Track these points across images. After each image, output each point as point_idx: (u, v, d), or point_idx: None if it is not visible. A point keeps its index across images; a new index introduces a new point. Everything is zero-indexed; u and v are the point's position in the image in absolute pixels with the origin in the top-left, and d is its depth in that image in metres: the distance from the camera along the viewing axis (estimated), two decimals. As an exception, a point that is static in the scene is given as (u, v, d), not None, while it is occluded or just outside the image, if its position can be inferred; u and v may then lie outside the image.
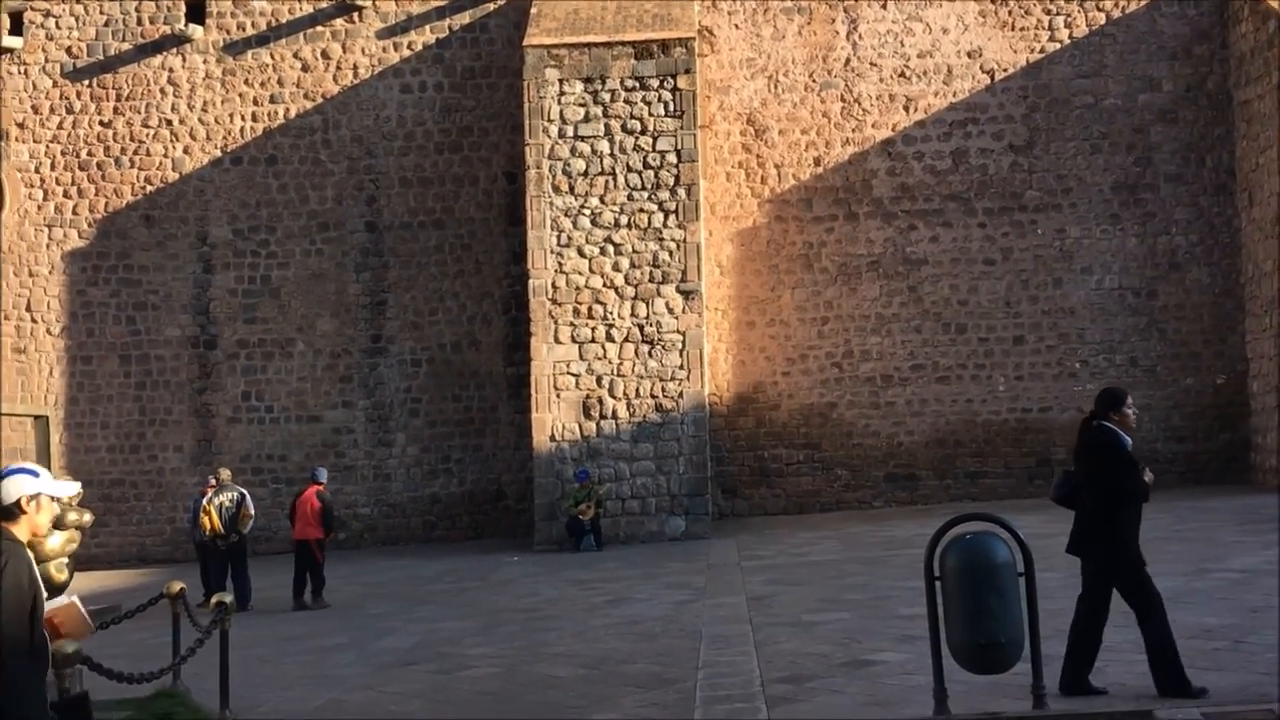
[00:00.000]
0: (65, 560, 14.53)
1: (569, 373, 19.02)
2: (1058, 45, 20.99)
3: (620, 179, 19.21)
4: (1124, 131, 20.96)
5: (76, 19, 21.64)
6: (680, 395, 18.95)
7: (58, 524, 14.44)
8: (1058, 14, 20.99)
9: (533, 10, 20.22)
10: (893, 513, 19.87)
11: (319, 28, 21.60)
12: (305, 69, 21.62)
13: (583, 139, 19.29)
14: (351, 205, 21.64)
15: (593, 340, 19.07)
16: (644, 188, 19.22)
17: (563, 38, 19.50)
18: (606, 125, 19.27)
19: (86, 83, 21.69)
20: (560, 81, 19.33)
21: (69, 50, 21.68)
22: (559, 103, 19.32)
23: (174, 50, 21.65)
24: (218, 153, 21.64)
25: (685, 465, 18.90)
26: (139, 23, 21.61)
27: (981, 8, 21.06)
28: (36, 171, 21.68)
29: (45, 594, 4.91)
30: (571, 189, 19.24)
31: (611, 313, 19.07)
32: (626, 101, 19.33)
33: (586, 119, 19.31)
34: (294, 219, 21.62)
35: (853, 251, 21.08)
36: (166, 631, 9.74)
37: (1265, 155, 19.36)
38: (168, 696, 8.91)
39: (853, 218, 21.11)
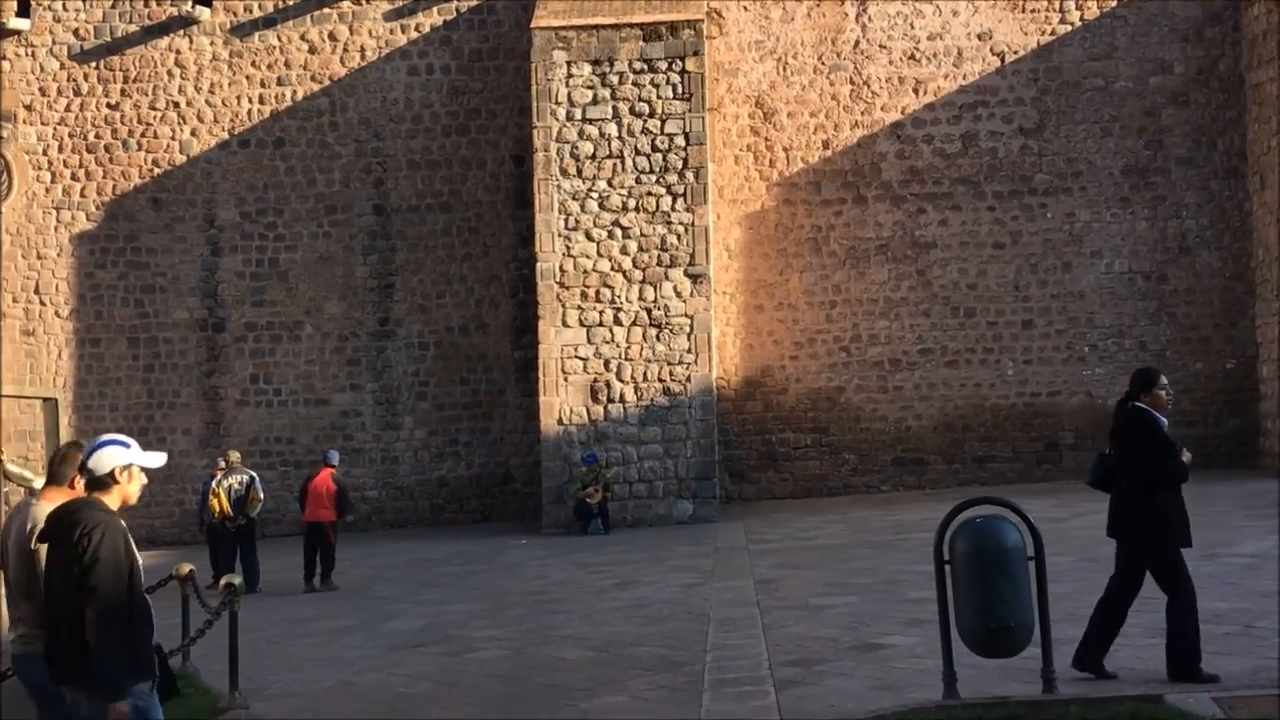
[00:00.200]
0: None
1: (577, 356, 19.01)
2: (1068, 27, 20.86)
3: (628, 162, 19.15)
4: (1135, 114, 20.84)
5: (83, 1, 21.60)
6: (688, 379, 18.93)
7: (67, 506, 14.47)
8: (1069, -4, 20.85)
9: (540, -8, 20.13)
10: (900, 497, 19.86)
11: (326, 10, 21.53)
12: (312, 51, 21.56)
13: (590, 122, 19.22)
14: (359, 188, 21.61)
15: (600, 324, 19.04)
16: (652, 171, 19.16)
17: (570, 20, 19.42)
18: (614, 108, 19.21)
19: (94, 65, 21.66)
20: (568, 64, 19.26)
21: (76, 32, 21.64)
22: (567, 85, 19.25)
23: (181, 32, 21.60)
24: (225, 135, 21.61)
25: (693, 449, 18.89)
26: (146, 4, 21.56)
27: (992, -10, 20.92)
28: (44, 154, 21.67)
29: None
30: (579, 172, 19.19)
31: (619, 296, 19.04)
32: (635, 84, 19.25)
33: (594, 101, 19.24)
34: (301, 202, 21.60)
35: (861, 235, 21.01)
36: (175, 613, 9.77)
37: (1276, 139, 19.24)
38: (177, 677, 8.93)
39: (861, 201, 21.04)
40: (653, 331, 18.99)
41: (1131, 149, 20.81)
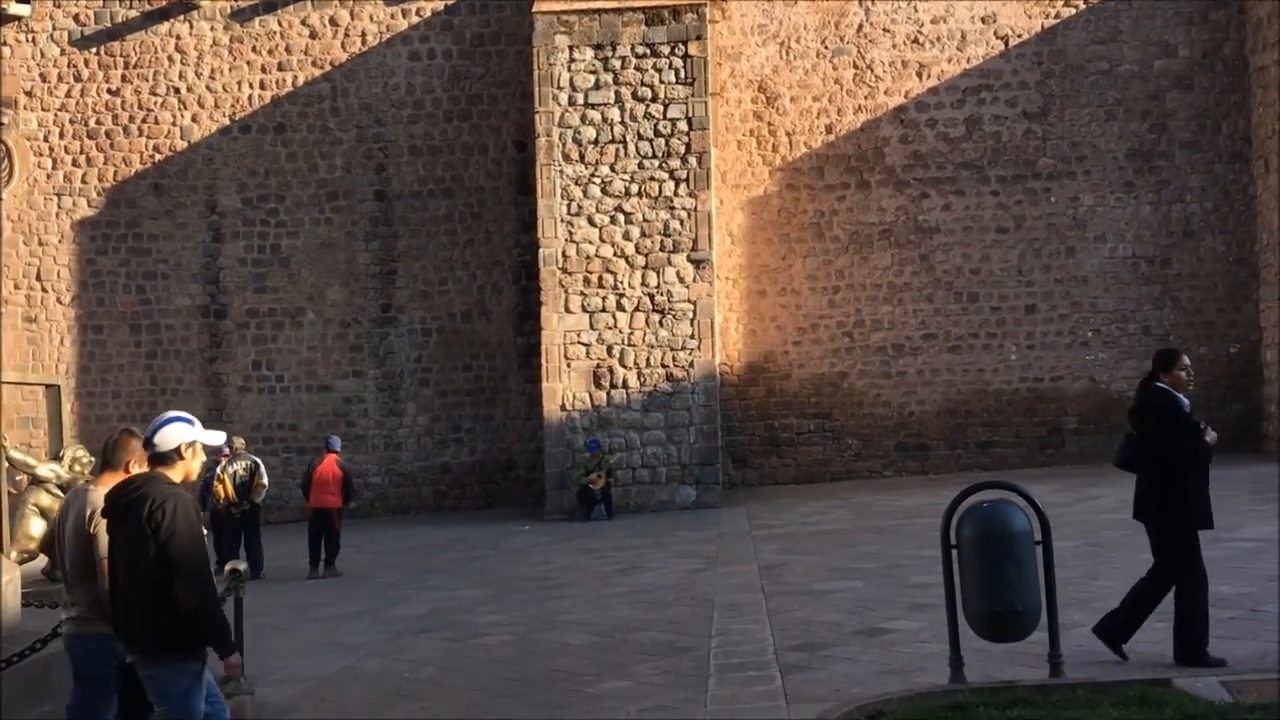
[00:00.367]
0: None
1: (579, 342, 18.98)
2: (1073, 10, 20.76)
3: (631, 147, 19.09)
4: (1139, 98, 20.75)
5: (83, -14, 21.52)
6: (691, 365, 18.91)
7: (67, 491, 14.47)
8: (1073, -21, 20.76)
9: (542, -24, 20.04)
10: (903, 482, 19.84)
11: (327, -6, 21.45)
12: (313, 36, 21.48)
13: (593, 106, 19.15)
14: (360, 174, 21.55)
15: (603, 309, 19.01)
16: (654, 156, 19.10)
17: (572, 3, 19.33)
18: (617, 92, 19.14)
19: (94, 50, 21.59)
20: (570, 48, 19.18)
21: (76, 18, 21.56)
22: (569, 70, 19.18)
23: (181, 18, 21.52)
24: (226, 121, 21.55)
25: (696, 435, 18.88)
26: (146, -10, 21.48)
27: (996, -27, 20.82)
28: (45, 140, 21.61)
29: None
30: (582, 157, 19.13)
31: (622, 282, 19.01)
32: (637, 68, 19.18)
33: (597, 86, 19.17)
34: (303, 188, 21.55)
35: (864, 220, 20.95)
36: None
37: (1282, 122, 19.17)
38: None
39: (864, 186, 20.97)
40: (655, 317, 18.96)
41: (1136, 133, 20.74)
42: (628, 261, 19.02)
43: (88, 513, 5.57)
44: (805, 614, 9.87)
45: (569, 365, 18.98)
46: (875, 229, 20.93)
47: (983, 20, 20.85)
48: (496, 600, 11.84)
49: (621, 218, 19.07)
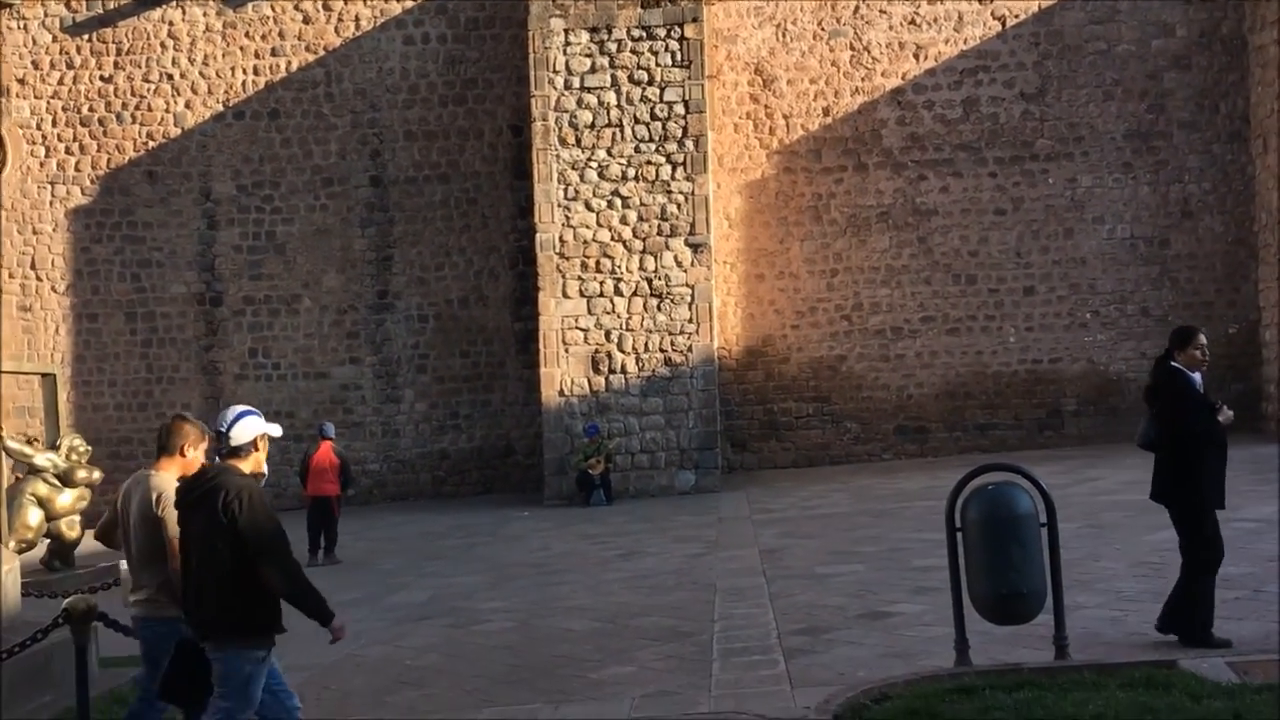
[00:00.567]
0: (76, 518, 14.59)
1: (577, 327, 18.93)
2: (1070, -10, 20.66)
3: (627, 131, 19.01)
4: (1137, 78, 20.68)
5: (74, -28, 21.37)
6: (689, 349, 18.86)
7: (67, 481, 14.47)
8: (1070, -41, 20.65)
9: (537, -41, 19.90)
10: (903, 465, 19.83)
11: (320, -21, 21.30)
12: (306, 21, 21.34)
13: (589, 90, 19.06)
14: (355, 159, 21.45)
15: (601, 294, 18.95)
16: (651, 139, 19.02)
17: (568, -13, 19.20)
18: (613, 76, 19.04)
19: (86, 37, 21.46)
20: (565, 31, 19.07)
21: (68, 4, 21.41)
22: (564, 53, 19.08)
23: (173, 3, 21.37)
24: (220, 107, 21.43)
25: (694, 419, 18.85)
26: (138, -25, 21.34)
27: (992, -47, 20.71)
28: (38, 128, 21.49)
29: None
30: (578, 141, 19.04)
31: (619, 266, 18.94)
32: (633, 51, 19.08)
33: (592, 70, 19.07)
34: (298, 174, 21.45)
35: (862, 203, 20.88)
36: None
37: (1280, 101, 19.11)
38: (183, 652, 8.90)
39: (862, 168, 20.90)
40: (653, 302, 18.90)
41: (1133, 113, 20.67)
42: (625, 246, 18.96)
43: (153, 496, 5.81)
44: (807, 598, 9.85)
45: (567, 350, 18.93)
46: (873, 212, 20.87)
47: (979, 1, 20.75)
48: (497, 586, 11.81)
49: (619, 202, 19.00)
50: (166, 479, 5.83)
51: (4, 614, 7.65)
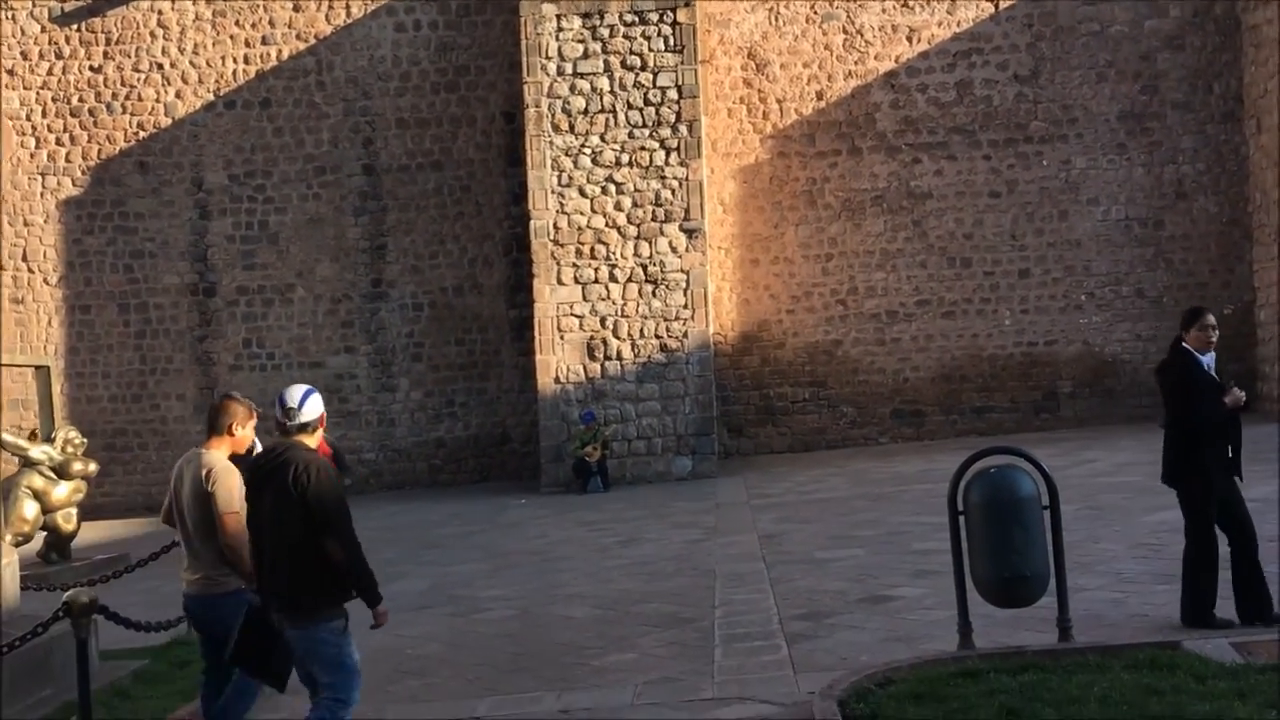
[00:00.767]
0: (72, 510, 14.55)
1: (572, 314, 18.88)
2: (1063, -29, 20.60)
3: (621, 116, 18.93)
4: (1130, 59, 20.64)
5: (62, -39, 21.22)
6: (685, 335, 18.83)
7: (63, 474, 14.41)
8: (1063, -61, 20.58)
9: (528, -56, 19.79)
10: (899, 449, 19.84)
11: (310, -34, 21.17)
12: (296, 8, 21.21)
13: (582, 76, 18.98)
14: (348, 148, 21.35)
15: (596, 281, 18.90)
16: (645, 125, 18.95)
17: (559, -28, 19.10)
18: (606, 61, 18.95)
19: (75, 27, 21.31)
20: (558, 17, 18.98)
21: (55, -6, 21.27)
22: (557, 39, 18.99)
23: (163, -8, 21.23)
24: (210, 96, 21.31)
25: (691, 405, 18.82)
26: (126, -36, 21.18)
27: (985, -66, 20.64)
28: (28, 119, 21.36)
29: None
30: (571, 128, 18.97)
31: (614, 253, 18.89)
32: (626, 36, 18.99)
33: (585, 55, 18.99)
34: (290, 163, 21.35)
35: (856, 187, 20.84)
36: (177, 580, 9.67)
37: (1273, 81, 19.07)
38: (183, 645, 8.89)
39: (856, 152, 20.86)
40: (649, 288, 18.85)
41: (1127, 94, 20.64)
42: (620, 232, 18.90)
43: (203, 473, 6.07)
44: (808, 583, 9.85)
45: (562, 337, 18.88)
46: (867, 195, 20.83)
47: (973, -17, 20.68)
48: (496, 574, 11.80)
49: (613, 188, 18.93)
50: (217, 456, 6.12)
51: (3, 608, 7.62)
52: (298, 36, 21.21)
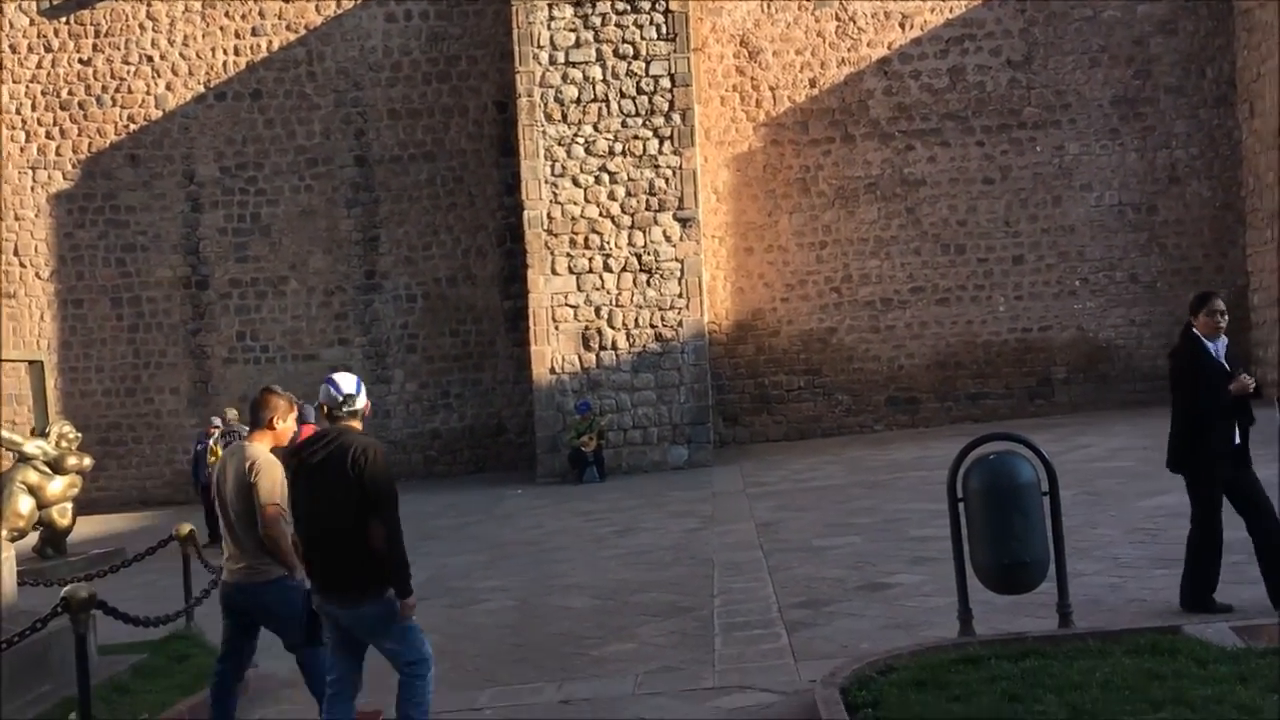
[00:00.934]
0: (67, 505, 14.51)
1: (567, 304, 18.85)
2: (1055, -43, 20.57)
3: (613, 105, 18.88)
4: (1123, 44, 20.63)
5: (50, -46, 21.09)
6: (680, 324, 18.81)
7: (58, 468, 14.37)
8: (1055, -76, 20.55)
9: (518, -67, 19.70)
10: (894, 436, 19.85)
11: (299, -43, 21.06)
12: None
13: (574, 65, 18.92)
14: (340, 139, 21.28)
15: (590, 271, 18.86)
16: (638, 114, 18.90)
17: (550, -39, 19.02)
18: (598, 50, 18.89)
19: (64, 20, 21.19)
20: (550, 6, 18.91)
21: (44, -14, 21.15)
22: (549, 28, 18.92)
23: (151, -16, 21.11)
24: (201, 88, 21.22)
25: (686, 394, 18.81)
26: (114, -44, 21.06)
27: (977, -80, 20.59)
28: (17, 113, 21.26)
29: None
30: (564, 117, 18.91)
31: (608, 242, 18.85)
32: (618, 25, 18.93)
33: (577, 44, 18.93)
34: (281, 155, 21.27)
35: (850, 174, 20.82)
36: (174, 574, 9.66)
37: (1266, 65, 19.07)
38: (182, 639, 8.87)
39: (849, 139, 20.83)
40: (643, 277, 18.82)
41: (1120, 79, 20.63)
42: (613, 221, 18.86)
43: (246, 465, 6.22)
44: (806, 570, 9.84)
45: (557, 328, 18.85)
46: (861, 183, 20.81)
47: (965, -32, 20.64)
48: (494, 565, 11.78)
49: (606, 177, 18.89)
50: (260, 449, 6.30)
51: (2, 604, 7.58)
52: (288, 27, 21.12)
